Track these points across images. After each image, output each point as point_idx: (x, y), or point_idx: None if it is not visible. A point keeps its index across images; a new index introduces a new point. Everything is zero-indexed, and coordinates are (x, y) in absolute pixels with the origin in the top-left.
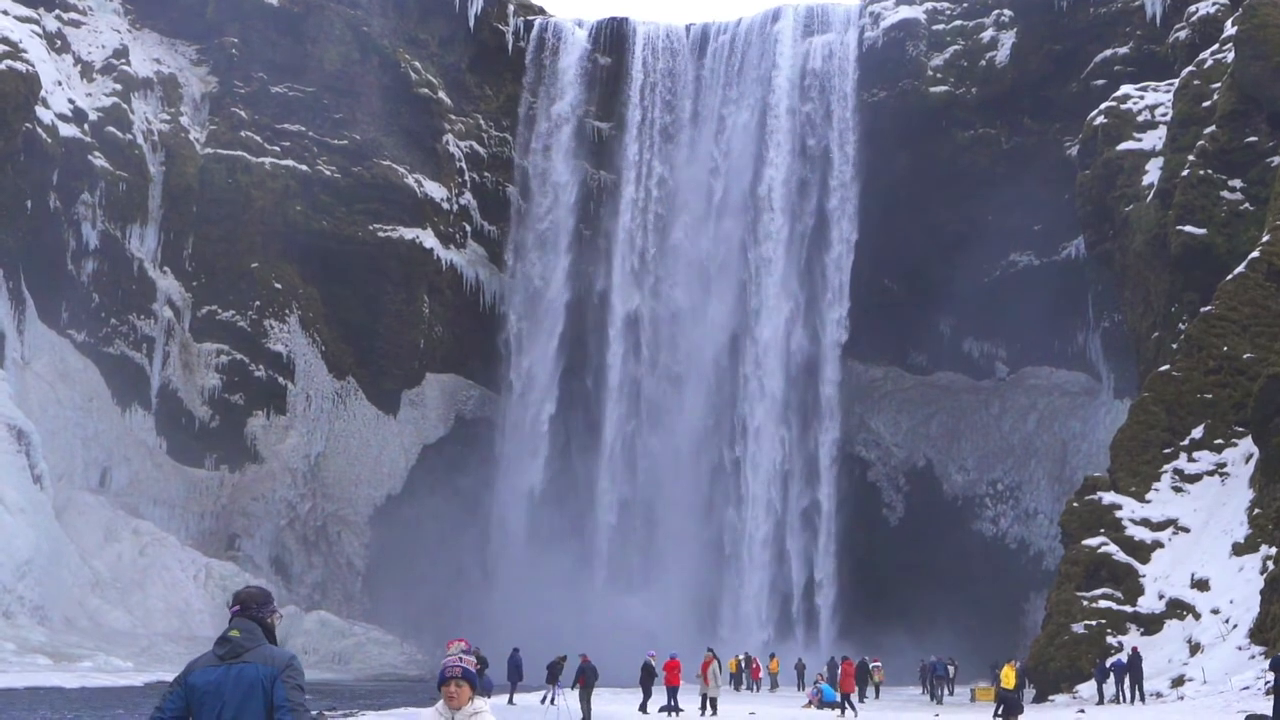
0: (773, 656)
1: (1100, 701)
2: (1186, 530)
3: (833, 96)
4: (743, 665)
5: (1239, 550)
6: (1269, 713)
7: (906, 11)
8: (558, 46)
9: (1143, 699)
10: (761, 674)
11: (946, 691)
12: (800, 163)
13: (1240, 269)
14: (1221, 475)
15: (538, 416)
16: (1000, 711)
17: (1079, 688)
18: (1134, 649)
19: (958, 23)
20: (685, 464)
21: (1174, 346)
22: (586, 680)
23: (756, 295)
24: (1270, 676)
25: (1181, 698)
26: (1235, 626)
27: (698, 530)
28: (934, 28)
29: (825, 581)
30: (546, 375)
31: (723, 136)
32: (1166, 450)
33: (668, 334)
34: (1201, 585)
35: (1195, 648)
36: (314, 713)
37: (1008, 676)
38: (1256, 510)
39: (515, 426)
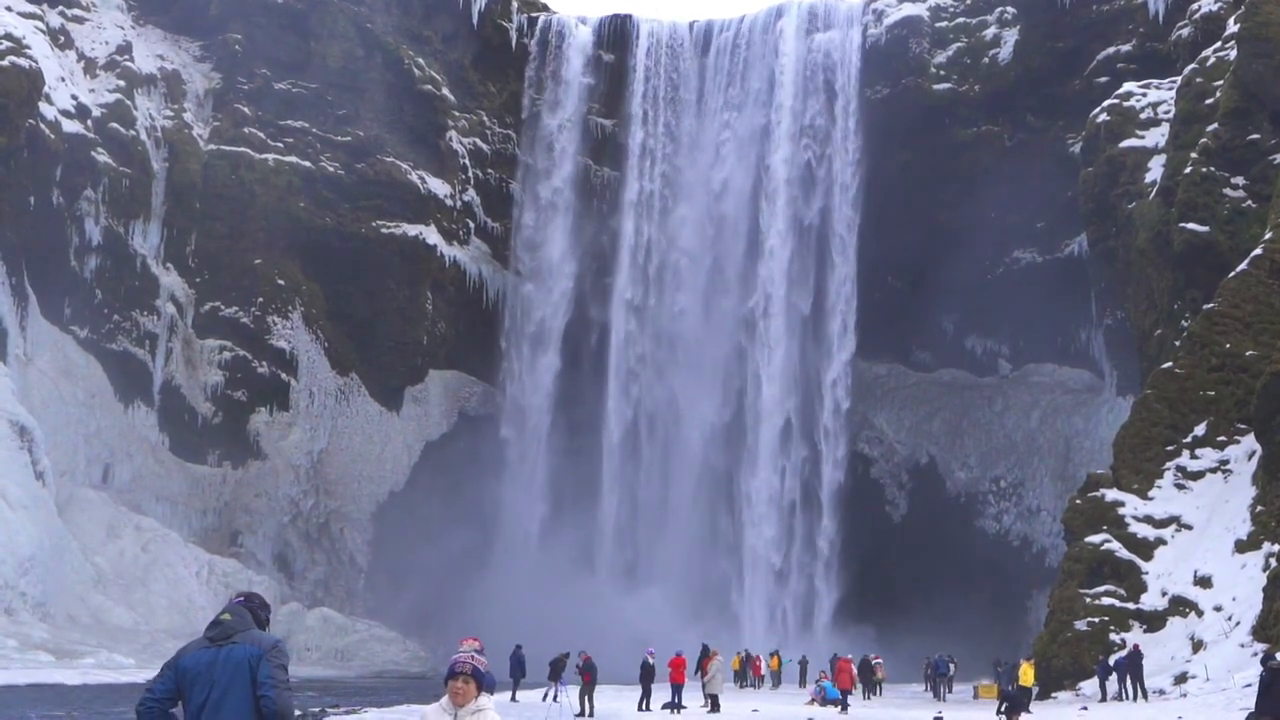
0: (774, 654)
1: (1103, 699)
2: (1189, 527)
3: (836, 94)
4: (745, 662)
5: (1241, 548)
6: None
7: (909, 9)
8: (561, 43)
9: (1144, 696)
10: (763, 671)
11: (947, 689)
12: (803, 161)
13: (1243, 266)
14: (1224, 472)
15: (539, 412)
16: (1004, 709)
17: (1082, 685)
18: (1135, 646)
19: (961, 20)
20: (690, 461)
21: (1176, 344)
22: (591, 677)
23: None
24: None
25: (1184, 695)
26: (1238, 624)
27: (701, 527)
28: (937, 25)
29: (827, 578)
30: (546, 371)
31: (725, 135)
32: (1169, 447)
33: (671, 284)
34: (1204, 582)
35: (1198, 645)
36: (315, 709)
37: (1026, 674)
38: (1259, 507)
39: (517, 423)
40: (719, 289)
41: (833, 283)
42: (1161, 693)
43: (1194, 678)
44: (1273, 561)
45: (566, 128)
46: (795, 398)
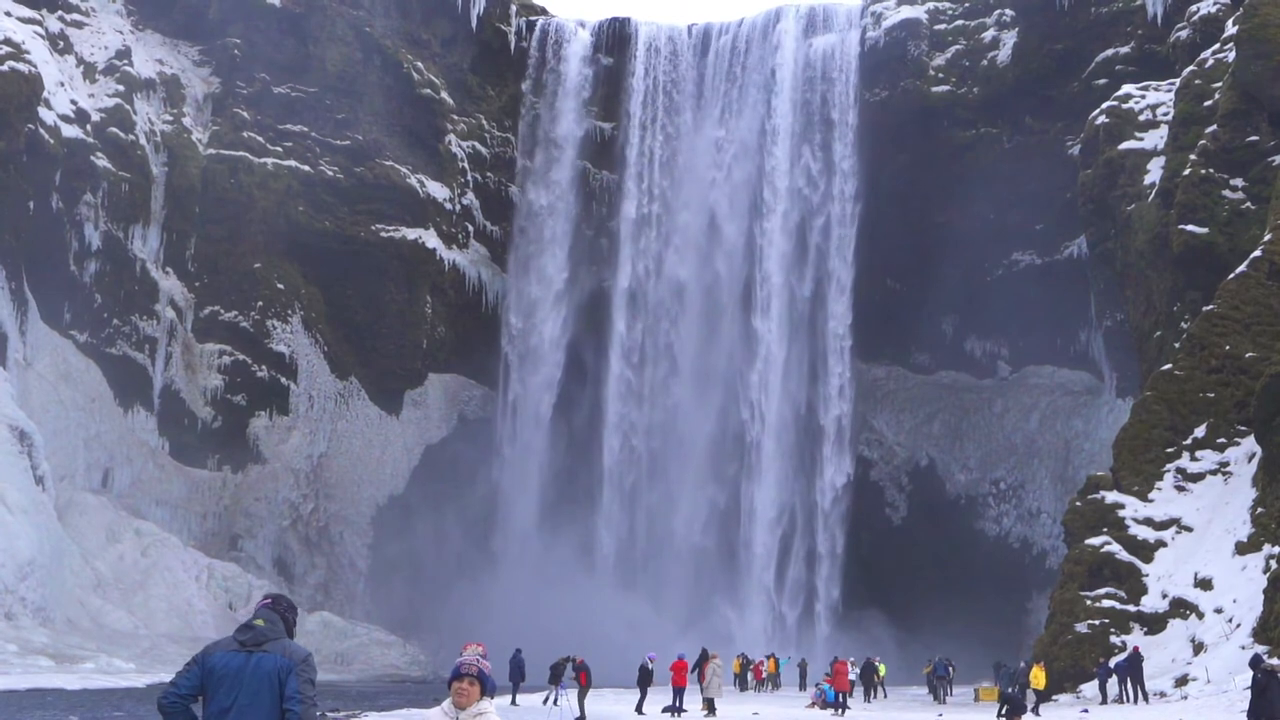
0: (770, 657)
1: (1104, 701)
2: (1189, 529)
3: (834, 97)
4: (745, 666)
5: (1242, 549)
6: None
7: (908, 11)
8: (559, 47)
9: (1145, 698)
10: (763, 674)
11: (947, 692)
12: (801, 164)
13: (1242, 268)
14: (1224, 474)
15: (538, 416)
16: (1005, 711)
17: (1082, 687)
18: (1135, 648)
19: (959, 22)
20: (688, 465)
21: (1176, 345)
22: (587, 680)
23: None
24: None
25: (1185, 697)
26: (1239, 626)
27: (701, 530)
28: (935, 27)
29: (827, 581)
30: (547, 372)
31: (724, 139)
32: (1169, 449)
33: (665, 367)
34: (1204, 584)
35: (1199, 647)
36: (318, 713)
37: (1038, 677)
38: (1259, 509)
39: (516, 427)
40: (713, 370)
41: (825, 388)
42: (1162, 695)
43: (1195, 680)
44: (1273, 563)
45: (565, 131)
46: (790, 501)
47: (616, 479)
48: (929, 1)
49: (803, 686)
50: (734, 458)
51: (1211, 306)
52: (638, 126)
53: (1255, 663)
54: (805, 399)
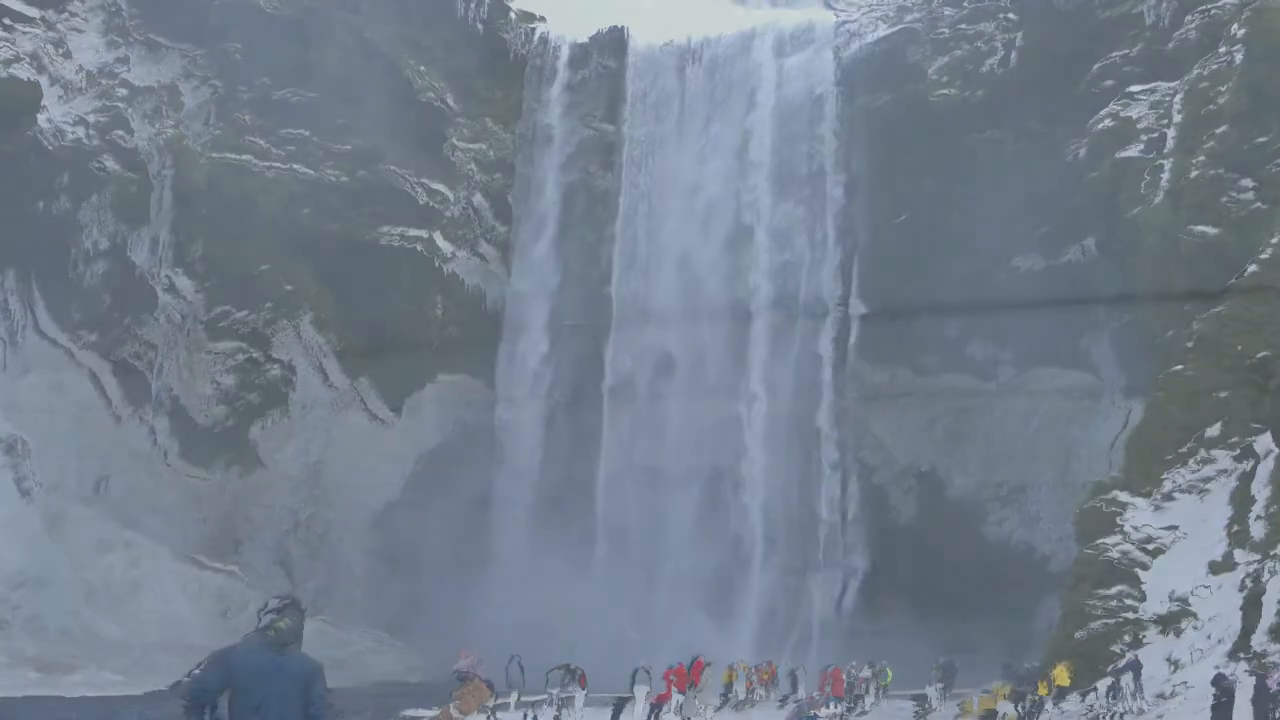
0: (766, 663)
1: (1103, 706)
2: (1194, 534)
3: (829, 104)
4: (738, 675)
5: (1256, 549)
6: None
7: (909, 16)
8: (555, 57)
9: (1140, 709)
10: (753, 684)
11: (944, 697)
12: (784, 228)
13: (1252, 268)
14: (1235, 477)
15: (536, 420)
16: (1021, 706)
17: (1079, 694)
18: (1134, 655)
19: (961, 26)
20: (686, 468)
21: (1187, 346)
22: (585, 684)
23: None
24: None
25: (1184, 700)
26: (1238, 634)
27: (699, 537)
28: (937, 31)
29: (828, 587)
30: (543, 376)
31: (713, 145)
32: (1180, 450)
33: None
34: (1204, 591)
35: (1196, 655)
36: None
37: (1060, 676)
38: (1274, 507)
39: (514, 432)
40: (700, 454)
41: (817, 501)
42: (1161, 697)
43: (1190, 689)
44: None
45: (559, 138)
46: (785, 609)
47: (605, 585)
48: (928, 8)
49: (795, 693)
50: (723, 541)
51: (1221, 307)
52: (630, 135)
53: (1217, 680)
54: (797, 499)
